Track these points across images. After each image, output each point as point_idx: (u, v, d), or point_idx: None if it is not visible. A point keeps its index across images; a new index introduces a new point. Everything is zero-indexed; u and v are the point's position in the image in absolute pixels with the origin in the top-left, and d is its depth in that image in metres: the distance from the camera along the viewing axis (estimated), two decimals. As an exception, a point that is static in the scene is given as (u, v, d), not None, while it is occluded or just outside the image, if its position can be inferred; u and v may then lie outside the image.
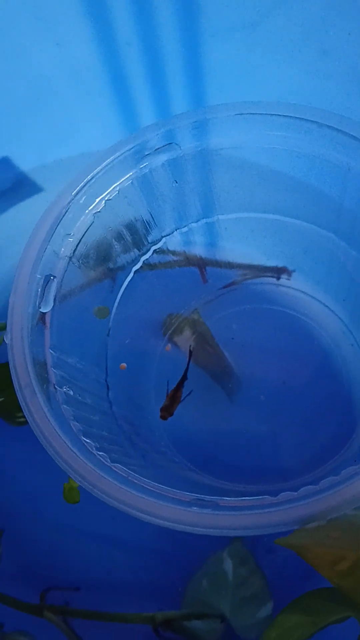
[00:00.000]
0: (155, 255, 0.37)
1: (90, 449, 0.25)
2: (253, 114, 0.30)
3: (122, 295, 0.36)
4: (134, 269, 0.36)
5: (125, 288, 0.36)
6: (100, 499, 0.24)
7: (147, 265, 0.37)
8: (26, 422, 0.29)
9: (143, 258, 0.36)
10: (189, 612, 0.35)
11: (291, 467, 0.35)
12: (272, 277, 0.39)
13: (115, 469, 0.25)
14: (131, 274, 0.36)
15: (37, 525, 0.37)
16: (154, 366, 0.38)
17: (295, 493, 0.24)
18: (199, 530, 0.23)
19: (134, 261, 0.36)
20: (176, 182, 0.33)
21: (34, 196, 0.38)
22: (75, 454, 0.24)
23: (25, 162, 0.38)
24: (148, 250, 0.36)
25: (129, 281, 0.36)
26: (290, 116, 0.29)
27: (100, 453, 0.25)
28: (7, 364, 0.34)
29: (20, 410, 0.34)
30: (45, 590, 0.35)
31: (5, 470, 0.38)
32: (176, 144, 0.31)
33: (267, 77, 0.36)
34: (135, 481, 0.24)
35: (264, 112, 0.30)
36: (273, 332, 0.39)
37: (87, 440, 0.25)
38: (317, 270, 0.38)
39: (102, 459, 0.25)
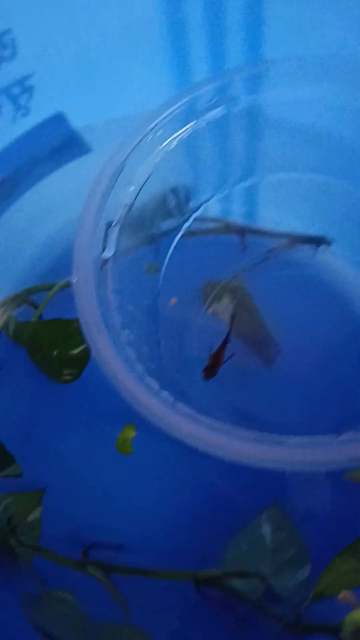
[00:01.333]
0: (195, 222, 0.37)
1: (154, 388, 0.25)
2: (309, 69, 0.30)
3: (168, 261, 0.36)
4: (176, 236, 0.36)
5: (171, 254, 0.36)
6: (171, 433, 0.24)
7: (188, 232, 0.37)
8: (72, 379, 0.29)
9: (185, 225, 0.37)
10: (231, 570, 0.35)
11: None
12: (312, 245, 0.39)
13: (181, 409, 0.25)
14: (175, 241, 0.36)
15: (80, 485, 0.37)
16: (195, 332, 0.39)
17: (360, 432, 0.24)
18: (270, 465, 0.23)
19: (176, 228, 0.36)
20: (223, 141, 0.33)
21: (84, 156, 0.38)
22: (143, 391, 0.24)
23: (76, 121, 0.38)
24: (189, 217, 0.37)
25: (174, 247, 0.36)
26: (348, 72, 0.30)
27: (165, 392, 0.25)
28: (56, 320, 0.34)
29: (68, 367, 0.34)
30: (87, 548, 0.35)
31: (48, 429, 0.38)
32: (229, 99, 0.31)
33: (328, 33, 0.35)
34: (201, 419, 0.24)
35: (322, 68, 0.30)
36: (311, 300, 0.39)
37: (152, 380, 0.25)
38: (358, 237, 0.38)
39: (167, 398, 0.25)
